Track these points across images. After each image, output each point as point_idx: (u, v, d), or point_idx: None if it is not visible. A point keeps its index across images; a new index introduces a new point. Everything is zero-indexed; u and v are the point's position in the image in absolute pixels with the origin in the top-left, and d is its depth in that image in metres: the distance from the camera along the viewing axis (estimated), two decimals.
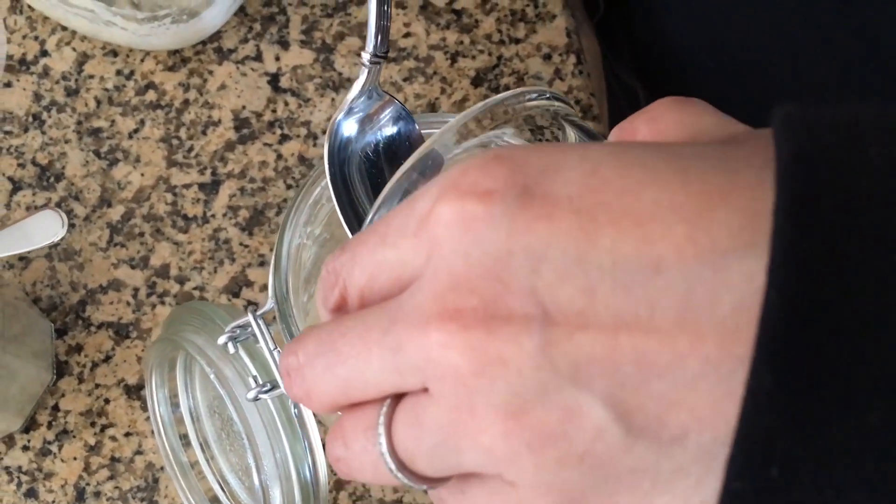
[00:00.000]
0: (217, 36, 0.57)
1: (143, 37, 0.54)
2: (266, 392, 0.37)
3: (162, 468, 0.51)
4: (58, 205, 0.54)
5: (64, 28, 0.57)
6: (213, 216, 0.54)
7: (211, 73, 0.56)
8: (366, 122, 0.38)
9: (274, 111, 0.56)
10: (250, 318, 0.38)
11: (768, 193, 0.22)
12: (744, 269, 0.21)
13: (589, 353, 0.22)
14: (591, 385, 0.22)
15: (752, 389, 0.21)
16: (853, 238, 0.21)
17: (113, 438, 0.52)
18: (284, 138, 0.55)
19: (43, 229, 0.44)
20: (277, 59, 0.56)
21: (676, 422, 0.22)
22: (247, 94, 0.56)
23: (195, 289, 0.53)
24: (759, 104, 0.26)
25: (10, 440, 0.52)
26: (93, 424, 0.52)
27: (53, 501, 0.51)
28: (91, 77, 0.56)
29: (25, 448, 0.52)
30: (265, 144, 0.55)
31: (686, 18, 0.60)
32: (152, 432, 0.51)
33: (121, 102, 0.56)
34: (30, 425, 0.52)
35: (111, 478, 0.51)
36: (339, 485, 0.51)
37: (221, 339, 0.38)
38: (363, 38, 0.56)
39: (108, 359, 0.53)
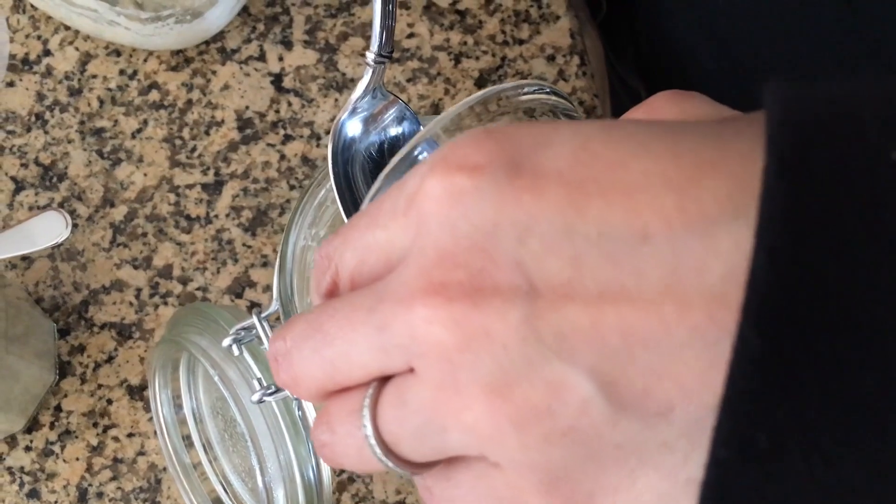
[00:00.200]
0: (220, 36, 0.56)
1: (146, 37, 0.54)
2: (270, 394, 0.37)
3: (164, 469, 0.51)
4: (60, 205, 0.54)
5: (67, 27, 0.57)
6: (216, 217, 0.54)
7: (214, 73, 0.56)
8: (370, 122, 0.38)
9: (277, 111, 0.56)
10: (255, 319, 0.38)
11: (758, 163, 0.21)
12: (732, 237, 0.21)
13: (574, 324, 0.22)
14: (577, 357, 0.22)
15: (738, 352, 0.21)
16: (844, 197, 0.20)
17: (115, 439, 0.52)
18: (288, 139, 0.55)
19: (47, 230, 0.44)
20: (281, 59, 0.56)
21: (662, 394, 0.22)
22: (250, 94, 0.56)
23: (198, 289, 0.53)
24: (761, 105, 0.26)
25: (12, 440, 0.51)
26: (95, 425, 0.52)
27: (56, 502, 0.51)
28: (94, 77, 0.56)
29: (28, 448, 0.51)
30: (268, 145, 0.55)
31: (689, 19, 0.59)
32: (155, 433, 0.51)
33: (124, 102, 0.56)
34: (32, 426, 0.52)
35: (113, 478, 0.51)
36: (341, 486, 0.51)
37: (226, 342, 0.38)
38: (367, 38, 0.56)
39: (110, 359, 0.53)
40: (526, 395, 0.22)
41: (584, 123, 0.24)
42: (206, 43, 0.56)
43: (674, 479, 0.23)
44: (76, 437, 0.52)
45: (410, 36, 0.56)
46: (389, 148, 0.38)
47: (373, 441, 0.25)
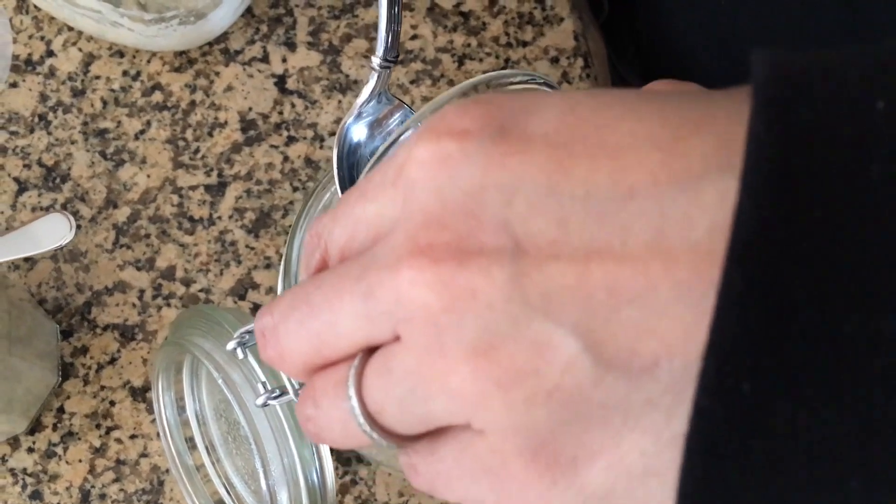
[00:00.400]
0: (224, 37, 0.56)
1: (149, 38, 0.54)
2: (275, 398, 0.37)
3: (167, 471, 0.51)
4: (63, 206, 0.54)
5: (70, 28, 0.57)
6: (219, 218, 0.54)
7: (217, 74, 0.56)
8: (375, 126, 0.38)
9: (281, 113, 0.55)
10: None
11: (744, 121, 0.21)
12: (717, 190, 0.21)
13: (560, 282, 0.22)
14: (562, 315, 0.22)
15: (723, 296, 0.20)
16: (829, 142, 0.20)
17: (118, 441, 0.52)
18: (291, 140, 0.55)
19: (51, 233, 0.44)
20: (284, 60, 0.56)
21: (647, 350, 0.22)
22: (253, 95, 0.56)
23: (201, 291, 0.53)
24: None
25: (15, 442, 0.51)
26: (98, 426, 0.52)
27: (58, 503, 0.51)
28: (97, 78, 0.56)
29: (30, 450, 0.51)
30: (272, 146, 0.55)
31: (691, 20, 0.59)
32: (158, 435, 0.51)
33: (127, 103, 0.56)
34: (35, 427, 0.52)
35: (116, 480, 0.51)
36: (344, 488, 0.51)
37: (230, 345, 0.38)
38: (370, 39, 0.56)
39: (113, 361, 0.53)
40: (511, 356, 0.22)
41: (572, 91, 0.24)
42: (210, 44, 0.56)
43: (659, 436, 0.22)
44: (79, 438, 0.52)
45: (414, 38, 0.56)
46: None
47: (357, 411, 0.25)
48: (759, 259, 0.20)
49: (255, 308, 0.53)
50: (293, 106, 0.56)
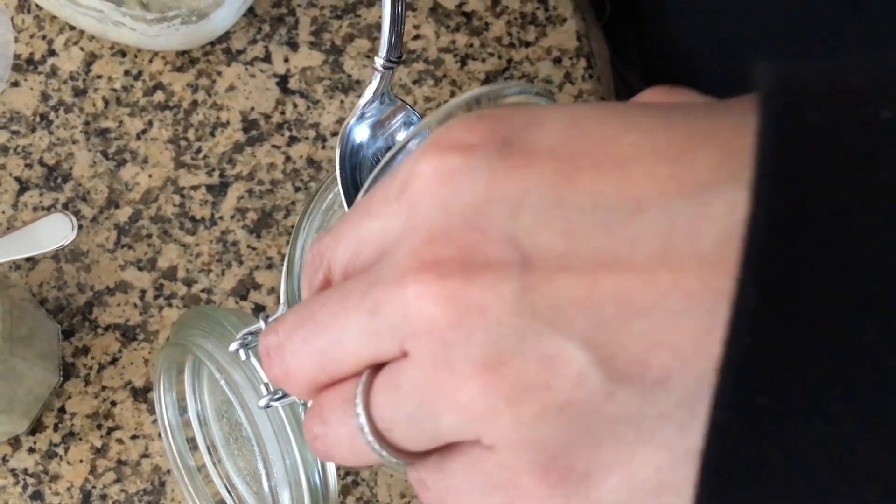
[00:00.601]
0: (226, 37, 0.56)
1: (151, 37, 0.54)
2: (278, 399, 0.37)
3: (169, 471, 0.51)
4: (65, 206, 0.54)
5: (72, 27, 0.57)
6: (220, 218, 0.54)
7: (219, 74, 0.56)
8: (377, 127, 0.38)
9: (283, 113, 0.55)
10: (262, 324, 0.37)
11: (750, 132, 0.21)
12: (726, 201, 0.21)
13: (569, 295, 0.22)
14: (571, 329, 0.22)
15: (737, 309, 0.20)
16: (837, 153, 0.20)
17: (119, 441, 0.51)
18: (293, 140, 0.55)
19: (52, 232, 0.44)
20: (286, 60, 0.56)
21: (659, 363, 0.21)
22: (255, 95, 0.56)
23: (202, 291, 0.53)
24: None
25: (16, 442, 0.51)
26: (99, 427, 0.52)
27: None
28: (99, 77, 0.56)
29: (31, 450, 0.51)
30: (274, 146, 0.55)
31: (693, 21, 0.59)
32: (159, 435, 0.51)
33: (129, 103, 0.56)
34: (36, 427, 0.52)
35: (117, 481, 0.51)
36: (346, 490, 0.51)
37: (233, 346, 0.38)
38: (373, 39, 0.56)
39: (114, 361, 0.52)
40: (520, 371, 0.22)
41: (574, 104, 0.24)
42: (212, 44, 0.56)
43: (672, 451, 0.22)
44: (80, 438, 0.51)
45: (416, 38, 0.56)
46: None
47: (366, 429, 0.24)
48: (773, 272, 0.20)
49: (257, 308, 0.53)
50: (295, 106, 0.55)
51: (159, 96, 0.56)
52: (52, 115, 0.56)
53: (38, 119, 0.55)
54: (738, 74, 0.62)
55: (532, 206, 0.22)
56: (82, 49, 0.56)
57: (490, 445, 0.23)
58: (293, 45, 0.56)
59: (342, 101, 0.55)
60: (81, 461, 0.51)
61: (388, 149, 0.38)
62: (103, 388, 0.52)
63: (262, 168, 0.55)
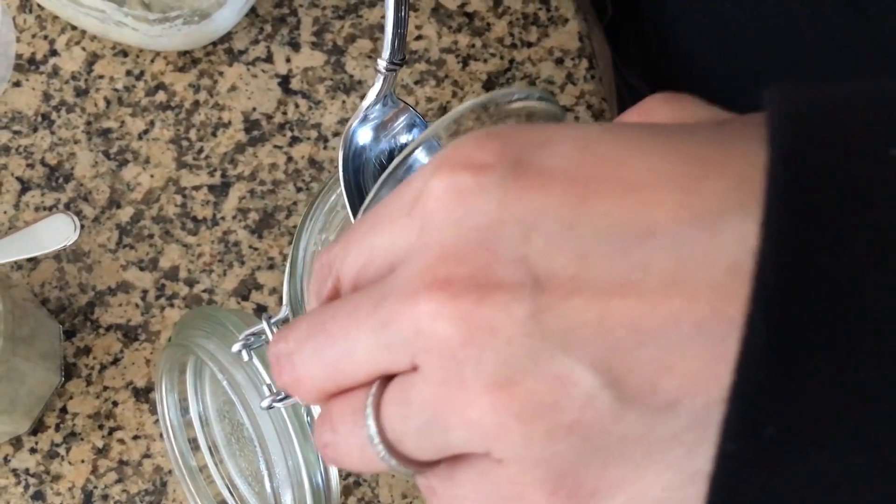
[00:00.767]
0: (228, 37, 0.56)
1: (153, 37, 0.54)
2: (280, 400, 0.37)
3: (170, 472, 0.51)
4: (66, 206, 0.54)
5: (74, 27, 0.57)
6: (222, 218, 0.54)
7: (221, 74, 0.56)
8: (380, 129, 0.38)
9: (284, 113, 0.55)
10: (265, 325, 0.38)
11: (760, 161, 0.22)
12: (737, 231, 0.21)
13: (581, 318, 0.22)
14: (582, 351, 0.22)
15: (747, 342, 0.21)
16: (846, 191, 0.21)
17: (121, 441, 0.52)
18: (295, 140, 0.55)
19: (55, 233, 0.44)
20: (288, 60, 0.56)
21: (669, 387, 0.22)
22: (257, 95, 0.56)
23: (204, 291, 0.53)
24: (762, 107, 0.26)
25: (17, 442, 0.51)
26: (101, 427, 0.52)
27: None
28: (101, 77, 0.56)
29: (33, 450, 0.51)
30: (275, 147, 0.55)
31: (695, 22, 0.59)
32: (161, 435, 0.51)
33: (130, 103, 0.56)
34: (37, 427, 0.52)
35: (119, 481, 0.51)
36: (347, 490, 0.51)
37: (236, 347, 0.38)
38: (375, 40, 0.56)
39: (116, 361, 0.52)
40: (531, 390, 0.22)
41: (586, 125, 0.24)
42: (214, 44, 0.56)
43: (681, 472, 0.23)
44: (81, 439, 0.51)
45: (418, 38, 0.56)
46: None
47: (376, 440, 0.25)
48: (781, 309, 0.21)
49: (259, 309, 0.53)
50: (297, 106, 0.55)
51: (161, 96, 0.56)
52: (53, 115, 0.56)
53: (39, 119, 0.55)
54: (738, 74, 0.62)
55: (544, 229, 0.22)
56: (84, 49, 0.56)
57: (500, 459, 0.23)
58: (295, 46, 0.56)
59: (344, 102, 0.55)
60: (83, 461, 0.51)
61: (391, 151, 0.38)
62: (105, 388, 0.52)
63: (263, 168, 0.55)
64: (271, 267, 0.53)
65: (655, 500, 0.23)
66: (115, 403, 0.52)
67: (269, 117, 0.55)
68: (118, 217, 0.54)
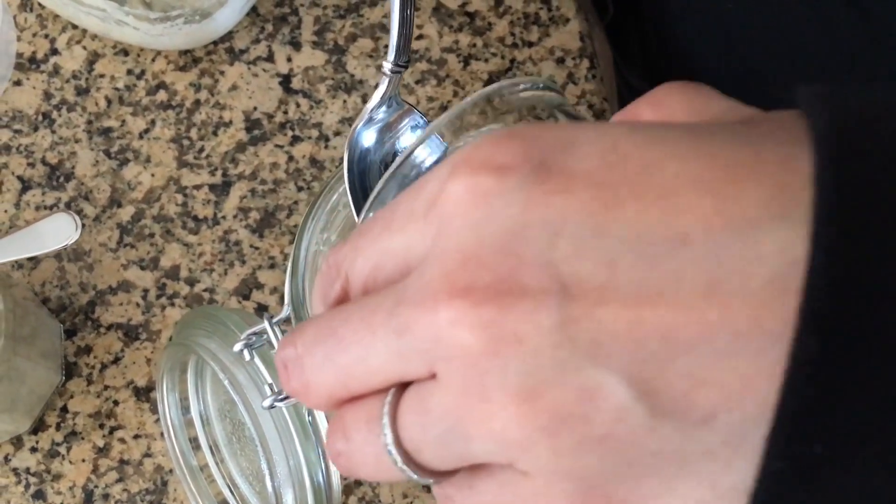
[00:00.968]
0: (229, 36, 0.56)
1: (154, 37, 0.54)
2: (282, 400, 0.37)
3: (171, 471, 0.51)
4: (67, 205, 0.54)
5: (74, 26, 0.57)
6: (223, 218, 0.54)
7: (222, 73, 0.56)
8: (385, 131, 0.38)
9: (285, 112, 0.55)
10: (266, 325, 0.38)
11: (797, 167, 0.21)
12: (776, 241, 0.21)
13: (611, 329, 0.21)
14: (613, 363, 0.21)
15: (796, 358, 0.20)
16: None
17: (122, 441, 0.52)
18: (296, 140, 0.55)
19: (56, 232, 0.44)
20: (289, 59, 0.56)
21: (705, 401, 0.21)
22: (258, 94, 0.56)
23: (205, 290, 0.53)
24: (769, 109, 0.25)
25: (18, 441, 0.51)
26: (101, 426, 0.52)
27: (61, 503, 0.51)
28: (102, 76, 0.56)
29: (34, 450, 0.51)
30: (276, 146, 0.55)
31: (696, 22, 0.59)
32: (161, 435, 0.51)
33: (131, 102, 0.56)
34: (38, 427, 0.52)
35: (119, 480, 0.51)
36: (348, 489, 0.51)
37: (237, 346, 0.38)
38: (376, 39, 0.56)
39: (117, 360, 0.52)
40: (558, 401, 0.21)
41: (609, 124, 0.23)
42: (215, 43, 0.56)
43: (715, 487, 0.22)
44: (82, 438, 0.51)
45: (419, 38, 0.56)
46: None
47: (393, 450, 0.24)
48: (834, 325, 0.20)
49: (260, 308, 0.53)
50: (298, 105, 0.55)
51: (162, 95, 0.56)
52: (54, 114, 0.55)
53: (40, 118, 0.55)
54: (739, 74, 0.62)
55: (571, 234, 0.21)
56: (85, 48, 0.56)
57: (524, 472, 0.23)
58: (296, 45, 0.56)
59: (345, 101, 0.55)
60: (84, 460, 0.51)
61: (396, 154, 0.38)
62: (105, 387, 0.52)
63: (264, 167, 0.55)
64: (272, 266, 0.53)
65: None
66: (115, 403, 0.52)
67: (270, 116, 0.55)
68: (119, 216, 0.54)
